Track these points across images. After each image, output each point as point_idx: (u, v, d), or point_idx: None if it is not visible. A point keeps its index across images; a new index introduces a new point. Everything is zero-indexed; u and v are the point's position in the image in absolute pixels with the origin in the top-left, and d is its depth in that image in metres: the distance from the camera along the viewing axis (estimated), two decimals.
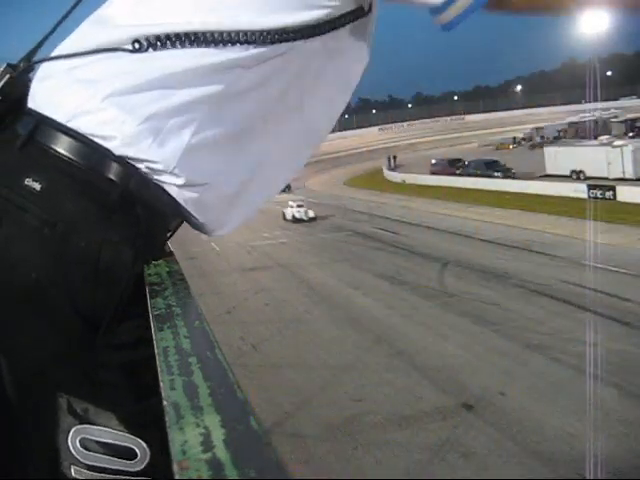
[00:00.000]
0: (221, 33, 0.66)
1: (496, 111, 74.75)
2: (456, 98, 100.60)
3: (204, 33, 0.66)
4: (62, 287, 0.64)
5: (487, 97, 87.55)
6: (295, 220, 24.80)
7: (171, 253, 0.83)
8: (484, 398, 8.16)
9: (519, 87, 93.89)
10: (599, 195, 22.00)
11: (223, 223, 0.81)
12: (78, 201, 0.66)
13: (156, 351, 0.49)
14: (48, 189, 0.64)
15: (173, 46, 0.66)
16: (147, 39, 0.66)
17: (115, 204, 0.67)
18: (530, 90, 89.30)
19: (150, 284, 0.68)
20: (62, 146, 0.67)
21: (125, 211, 0.68)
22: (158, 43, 0.66)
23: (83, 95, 0.68)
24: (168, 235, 0.80)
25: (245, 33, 0.67)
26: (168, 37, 0.66)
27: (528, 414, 7.69)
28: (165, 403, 0.39)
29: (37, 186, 0.64)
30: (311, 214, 25.14)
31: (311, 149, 0.87)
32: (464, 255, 16.15)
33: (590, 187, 22.69)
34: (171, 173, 0.68)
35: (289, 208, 25.36)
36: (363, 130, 70.08)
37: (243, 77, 0.69)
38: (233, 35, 0.66)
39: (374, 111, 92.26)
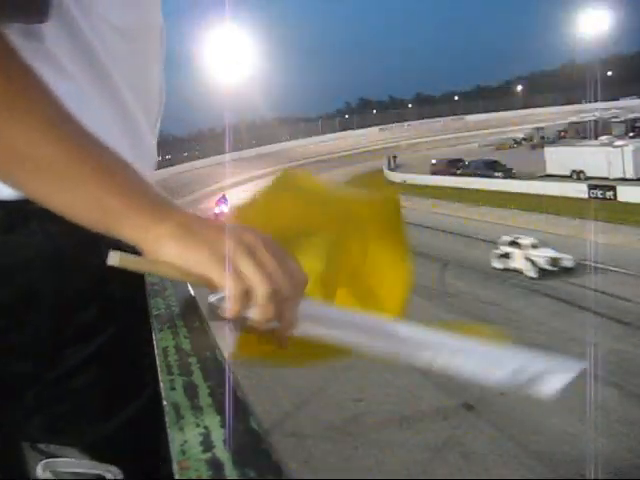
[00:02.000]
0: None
1: (496, 111, 74.69)
2: (456, 98, 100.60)
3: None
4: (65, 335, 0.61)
5: (487, 97, 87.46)
6: None
7: None
8: (484, 398, 8.15)
9: (519, 87, 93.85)
10: (599, 195, 21.98)
11: None
12: (50, 275, 0.59)
13: (156, 351, 0.49)
14: (14, 291, 0.58)
15: None
16: None
17: (83, 248, 0.59)
18: (530, 90, 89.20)
19: (150, 284, 0.68)
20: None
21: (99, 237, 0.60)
22: None
23: None
24: None
25: None
26: None
27: (528, 414, 7.68)
28: (165, 403, 0.39)
29: (5, 294, 0.58)
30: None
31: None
32: (465, 255, 16.14)
33: (590, 187, 22.66)
34: None
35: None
36: (363, 130, 70.03)
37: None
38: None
39: (374, 111, 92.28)
